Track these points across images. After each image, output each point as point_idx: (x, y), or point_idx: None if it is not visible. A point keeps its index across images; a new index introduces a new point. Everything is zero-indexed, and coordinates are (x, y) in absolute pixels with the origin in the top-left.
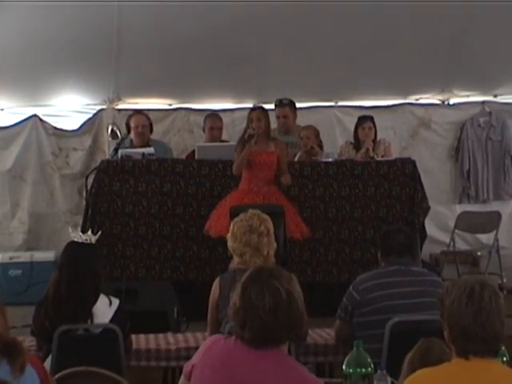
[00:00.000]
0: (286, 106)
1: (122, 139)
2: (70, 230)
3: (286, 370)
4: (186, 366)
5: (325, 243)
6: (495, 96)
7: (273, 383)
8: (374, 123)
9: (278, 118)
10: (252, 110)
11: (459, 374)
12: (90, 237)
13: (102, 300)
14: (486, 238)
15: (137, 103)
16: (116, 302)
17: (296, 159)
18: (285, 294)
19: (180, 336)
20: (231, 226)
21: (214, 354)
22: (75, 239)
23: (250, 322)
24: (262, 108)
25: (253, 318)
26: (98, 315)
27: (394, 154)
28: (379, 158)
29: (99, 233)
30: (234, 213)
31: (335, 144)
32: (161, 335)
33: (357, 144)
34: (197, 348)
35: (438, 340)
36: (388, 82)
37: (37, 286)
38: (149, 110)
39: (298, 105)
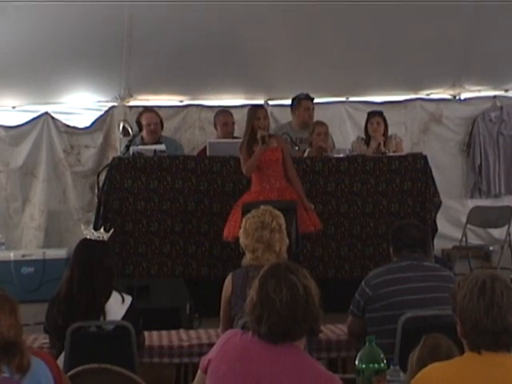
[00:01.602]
0: (312, 99)
1: (134, 136)
2: (83, 227)
3: (302, 366)
4: (203, 360)
5: (337, 239)
6: (506, 91)
7: (289, 379)
8: (383, 118)
9: (305, 110)
10: (255, 107)
11: (472, 367)
12: (102, 234)
13: (115, 297)
14: (498, 233)
15: (148, 100)
16: (129, 298)
17: (305, 155)
18: (302, 288)
19: (192, 332)
20: (243, 222)
21: (231, 348)
22: (88, 236)
23: (266, 315)
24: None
25: (270, 311)
26: (110, 312)
27: (406, 149)
28: (391, 154)
29: (112, 230)
30: (245, 210)
31: (346, 139)
32: (173, 332)
33: (368, 139)
34: (209, 344)
35: (442, 336)
36: (399, 77)
37: (49, 283)
38: (160, 106)
39: None
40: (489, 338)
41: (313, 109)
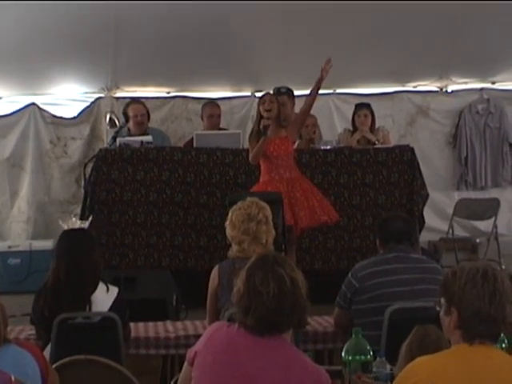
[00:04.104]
0: (284, 94)
1: (121, 127)
2: (60, 222)
3: (289, 358)
4: (190, 352)
5: (323, 231)
6: (493, 83)
7: (275, 371)
8: (371, 111)
9: None
10: (263, 95)
11: (459, 361)
12: (80, 223)
13: (101, 287)
14: (484, 225)
15: (135, 91)
16: (115, 290)
17: (294, 147)
18: (289, 280)
19: (179, 324)
20: (229, 214)
21: (217, 340)
22: (65, 228)
23: (253, 308)
24: (273, 94)
25: (257, 304)
26: (96, 303)
27: (393, 141)
28: (378, 145)
29: (90, 218)
30: (231, 202)
31: (333, 131)
32: (160, 323)
33: (355, 131)
34: (196, 336)
35: (434, 327)
36: (386, 69)
37: (36, 274)
38: (147, 98)
39: (295, 92)
40: (489, 326)
41: (288, 103)
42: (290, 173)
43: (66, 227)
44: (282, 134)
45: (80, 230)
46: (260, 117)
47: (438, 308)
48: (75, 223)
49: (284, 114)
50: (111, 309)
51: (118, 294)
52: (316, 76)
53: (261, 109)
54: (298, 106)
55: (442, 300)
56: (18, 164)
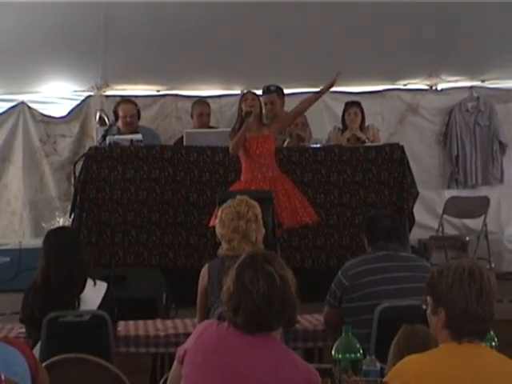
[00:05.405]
0: (274, 92)
1: (110, 126)
2: (43, 224)
3: (279, 356)
4: (179, 351)
5: (313, 229)
6: (483, 81)
7: (264, 369)
8: (361, 109)
9: (265, 104)
10: (245, 93)
11: (448, 359)
12: (62, 222)
13: (89, 284)
14: (474, 223)
15: (125, 89)
16: (103, 285)
17: (284, 145)
18: (279, 279)
19: (169, 322)
20: (219, 212)
21: (207, 339)
22: (47, 228)
23: (243, 306)
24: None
25: (246, 302)
26: (86, 301)
27: (383, 139)
28: (368, 144)
29: (72, 217)
30: (221, 200)
31: (323, 130)
32: (150, 322)
33: (345, 129)
34: (186, 334)
35: (422, 325)
36: (376, 67)
37: (25, 272)
38: (137, 96)
39: (285, 91)
40: (476, 324)
41: (278, 101)
42: (272, 171)
43: (48, 226)
44: (265, 132)
45: (66, 228)
46: (241, 115)
47: (424, 306)
48: (58, 222)
49: (273, 113)
50: (101, 305)
51: (107, 289)
52: (305, 74)
53: (243, 106)
54: (288, 105)
55: (429, 299)
56: (7, 158)
